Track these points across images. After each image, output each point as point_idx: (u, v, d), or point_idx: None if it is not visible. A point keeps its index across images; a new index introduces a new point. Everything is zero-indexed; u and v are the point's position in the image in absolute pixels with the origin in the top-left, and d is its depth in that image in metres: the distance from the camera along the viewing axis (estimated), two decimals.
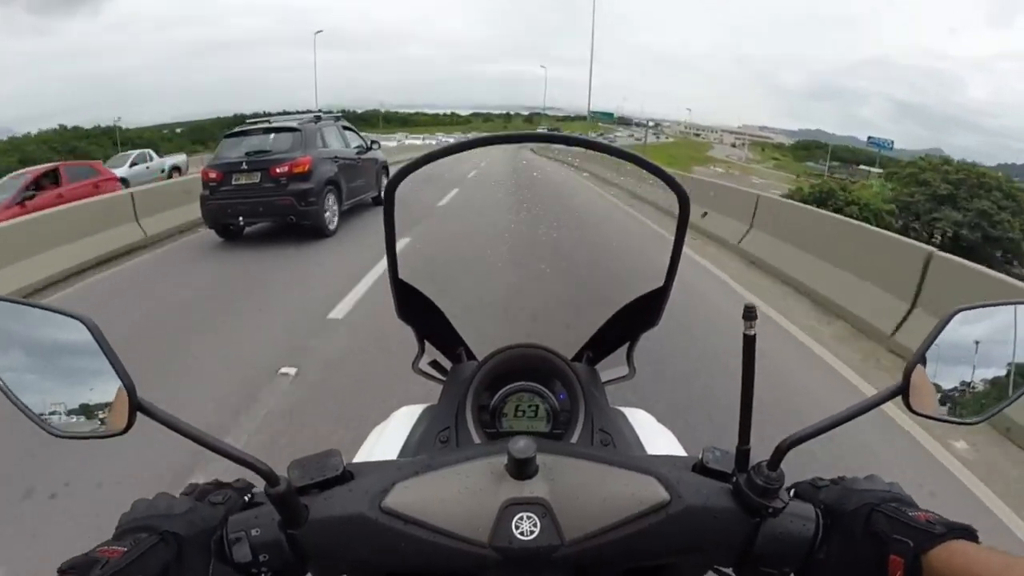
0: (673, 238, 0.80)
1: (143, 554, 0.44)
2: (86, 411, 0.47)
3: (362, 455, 0.91)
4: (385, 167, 10.08)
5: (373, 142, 10.00)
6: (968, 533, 0.44)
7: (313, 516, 0.49)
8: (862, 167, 64.78)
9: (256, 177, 7.33)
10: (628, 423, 0.85)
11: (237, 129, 8.28)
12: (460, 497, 0.49)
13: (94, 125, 65.13)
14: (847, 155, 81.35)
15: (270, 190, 7.26)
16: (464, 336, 0.99)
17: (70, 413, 0.47)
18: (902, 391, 0.48)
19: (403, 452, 0.82)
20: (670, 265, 0.82)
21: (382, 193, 8.50)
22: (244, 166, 7.41)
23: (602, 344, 0.96)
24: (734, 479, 0.49)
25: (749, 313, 0.47)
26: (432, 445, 0.79)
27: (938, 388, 0.51)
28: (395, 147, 35.12)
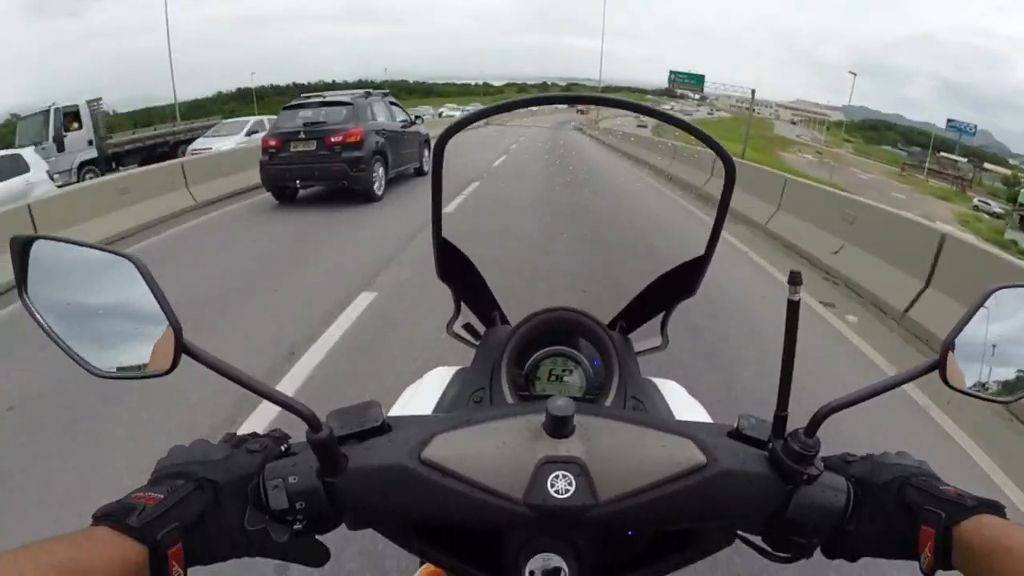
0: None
1: (180, 500, 0.44)
2: (130, 351, 0.46)
3: (395, 413, 0.89)
4: (427, 141, 10.83)
5: (417, 117, 10.76)
6: (996, 509, 0.44)
7: (352, 465, 0.49)
8: (943, 155, 58.42)
9: (312, 145, 8.16)
10: (660, 393, 0.84)
11: (294, 102, 9.12)
12: (497, 453, 0.49)
13: (146, 103, 67.42)
14: (921, 140, 74.52)
15: (325, 157, 8.08)
16: (498, 302, 0.99)
17: (113, 353, 0.46)
18: (938, 366, 0.48)
19: (436, 411, 0.82)
20: (712, 234, 0.80)
21: (423, 165, 9.26)
22: (301, 135, 8.23)
23: (636, 314, 0.95)
24: (770, 445, 0.49)
25: (795, 278, 0.46)
26: (466, 405, 0.79)
27: (972, 365, 0.51)
28: (432, 119, 32.99)
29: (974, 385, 0.51)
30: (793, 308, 0.47)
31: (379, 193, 8.49)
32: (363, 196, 8.32)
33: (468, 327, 0.99)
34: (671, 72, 44.37)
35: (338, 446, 0.49)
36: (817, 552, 0.52)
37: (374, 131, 8.57)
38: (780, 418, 0.50)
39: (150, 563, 0.42)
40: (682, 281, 0.87)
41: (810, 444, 0.47)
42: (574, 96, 0.74)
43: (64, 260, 0.46)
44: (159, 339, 0.45)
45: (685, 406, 0.85)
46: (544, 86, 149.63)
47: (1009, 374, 0.52)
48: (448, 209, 5.62)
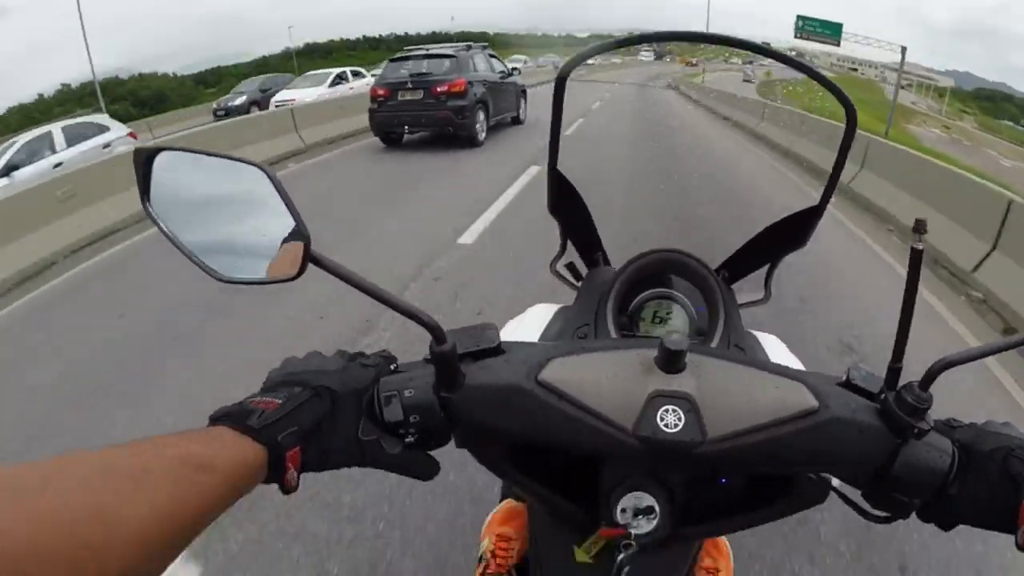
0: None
1: (298, 406, 0.45)
2: (253, 258, 0.46)
3: None
4: (523, 91, 11.23)
5: (513, 68, 11.10)
6: None
7: (469, 382, 0.49)
8: None
9: (419, 94, 8.73)
10: (760, 346, 0.83)
11: (400, 54, 9.69)
12: (611, 381, 0.49)
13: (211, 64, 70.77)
14: None
15: (432, 105, 8.65)
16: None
17: (237, 259, 0.47)
18: None
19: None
20: (828, 183, 0.78)
21: (520, 114, 9.70)
22: (409, 85, 8.81)
23: (740, 264, 0.93)
24: (882, 396, 0.48)
25: (920, 226, 0.45)
26: (570, 340, 0.79)
27: None
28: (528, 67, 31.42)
29: None
30: (916, 256, 0.45)
31: (481, 139, 9.02)
32: (466, 141, 8.87)
33: (571, 267, 0.98)
34: (799, 18, 31.85)
35: (458, 361, 0.49)
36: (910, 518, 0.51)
37: (476, 81, 9.03)
38: (894, 369, 0.49)
39: (269, 464, 0.43)
40: (792, 232, 0.84)
41: (923, 397, 0.46)
42: (684, 33, 0.72)
43: (189, 170, 0.47)
44: (285, 246, 0.45)
45: (786, 361, 0.82)
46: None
47: None
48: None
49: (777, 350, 0.83)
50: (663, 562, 0.64)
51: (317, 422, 0.46)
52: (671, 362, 0.48)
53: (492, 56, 10.38)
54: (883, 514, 0.51)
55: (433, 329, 0.47)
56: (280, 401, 0.45)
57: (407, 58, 9.44)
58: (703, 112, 17.73)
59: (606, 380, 0.49)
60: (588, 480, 0.56)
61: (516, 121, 10.87)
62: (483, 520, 1.07)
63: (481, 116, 9.05)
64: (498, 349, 0.51)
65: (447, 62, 9.01)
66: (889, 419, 0.47)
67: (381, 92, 8.96)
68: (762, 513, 0.57)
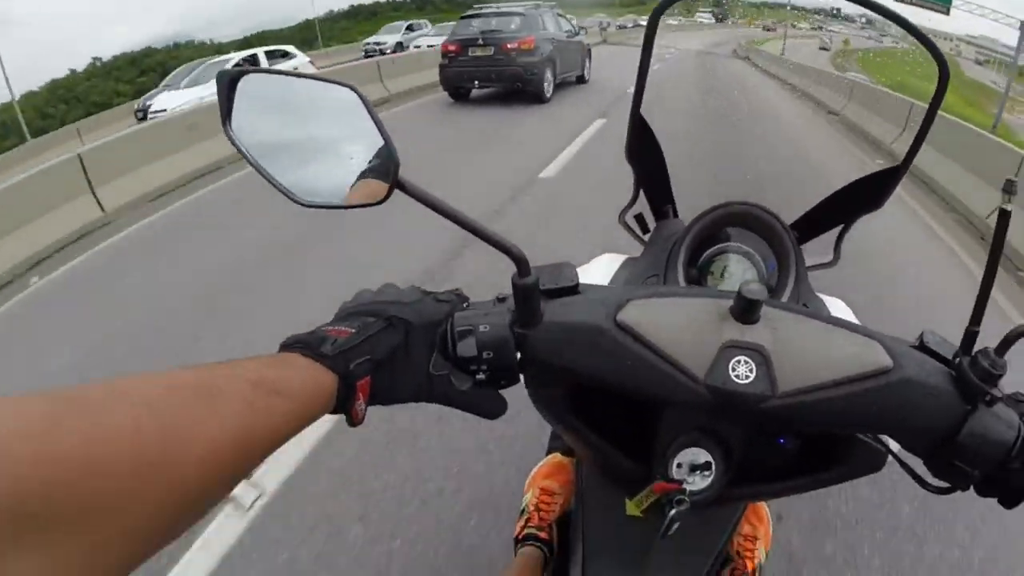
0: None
1: (371, 336, 0.45)
2: (339, 182, 0.46)
3: None
4: (589, 51, 11.55)
5: (581, 27, 11.41)
6: None
7: (547, 319, 0.49)
8: None
9: (490, 51, 9.17)
10: (827, 309, 0.80)
11: (470, 12, 10.11)
12: (685, 328, 0.48)
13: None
14: None
15: (502, 61, 9.09)
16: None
17: (321, 183, 0.46)
18: None
19: None
20: (914, 142, 0.75)
21: (585, 73, 10.14)
22: (480, 41, 9.25)
23: (811, 225, 0.90)
24: (957, 360, 0.47)
25: (1010, 186, 0.43)
26: (652, 285, 0.78)
27: None
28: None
29: None
30: (1004, 217, 0.44)
31: (548, 96, 9.45)
32: (534, 97, 9.31)
33: (639, 218, 0.97)
34: None
35: (540, 297, 0.49)
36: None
37: (545, 39, 9.42)
38: (971, 333, 0.47)
39: (339, 392, 0.43)
40: (869, 193, 0.83)
41: (999, 363, 0.45)
42: None
43: (275, 93, 0.46)
44: (369, 169, 0.44)
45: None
46: None
47: None
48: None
49: (844, 314, 0.81)
50: (706, 525, 0.64)
51: (390, 353, 0.46)
52: (747, 312, 0.48)
53: (559, 15, 10.71)
54: (943, 484, 0.50)
55: (519, 260, 0.47)
56: (353, 330, 0.45)
57: (478, 15, 9.86)
58: (776, 84, 14.47)
59: (681, 326, 0.48)
60: (644, 434, 0.56)
61: (580, 80, 11.21)
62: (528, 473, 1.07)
63: (549, 74, 9.45)
64: (576, 289, 0.51)
65: (517, 20, 9.41)
66: (962, 384, 0.46)
67: (452, 48, 9.43)
68: (816, 478, 0.57)
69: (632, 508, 0.59)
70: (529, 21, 9.38)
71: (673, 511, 0.49)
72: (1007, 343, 0.45)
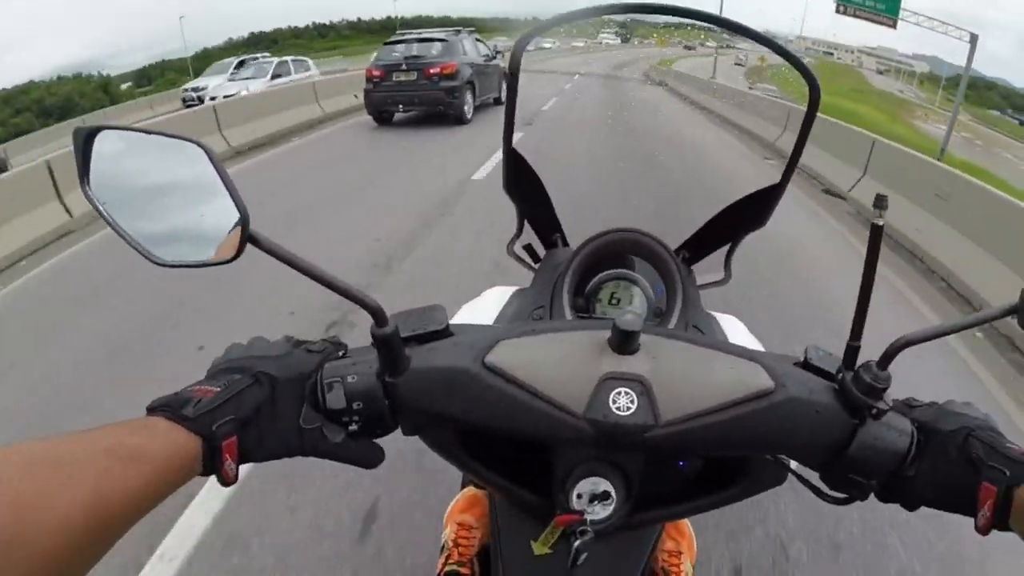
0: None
1: (237, 394, 0.45)
2: (192, 240, 0.45)
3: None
4: (505, 74, 12.11)
5: (497, 52, 12.02)
6: None
7: (414, 366, 0.49)
8: None
9: (413, 75, 9.65)
10: (720, 327, 0.81)
11: (393, 38, 10.58)
12: (561, 364, 0.48)
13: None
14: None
15: (425, 86, 9.60)
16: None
17: (177, 241, 0.46)
18: (1018, 311, 0.43)
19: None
20: (790, 161, 0.78)
21: (502, 95, 10.74)
22: (403, 66, 9.72)
23: (700, 245, 0.91)
24: (840, 376, 0.48)
25: (880, 202, 0.44)
26: (526, 322, 0.77)
27: None
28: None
29: None
30: (876, 232, 0.44)
31: (468, 117, 10.01)
32: (455, 119, 9.84)
33: (528, 248, 0.98)
34: None
35: (402, 344, 0.48)
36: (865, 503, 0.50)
37: (465, 64, 9.99)
38: (852, 348, 0.48)
39: (204, 454, 0.42)
40: (752, 211, 0.85)
41: (881, 376, 0.46)
42: (639, 4, 0.72)
43: (128, 149, 0.45)
44: (224, 226, 0.44)
45: (745, 342, 0.81)
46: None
47: None
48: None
49: (737, 331, 0.82)
50: (623, 547, 0.63)
51: (255, 410, 0.45)
52: (624, 343, 0.47)
53: (478, 40, 11.30)
54: (841, 496, 0.51)
55: (374, 311, 0.47)
56: (218, 389, 0.45)
57: (401, 41, 10.33)
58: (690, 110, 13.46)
59: (556, 362, 0.48)
60: (545, 467, 0.56)
61: (498, 102, 11.79)
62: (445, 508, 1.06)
63: (469, 96, 10.02)
64: (445, 331, 0.51)
65: (439, 45, 9.97)
66: (846, 399, 0.47)
67: (376, 73, 9.85)
68: (720, 496, 0.57)
69: (539, 548, 0.58)
70: (450, 47, 9.94)
71: (577, 542, 0.49)
72: (889, 356, 0.46)
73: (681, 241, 0.93)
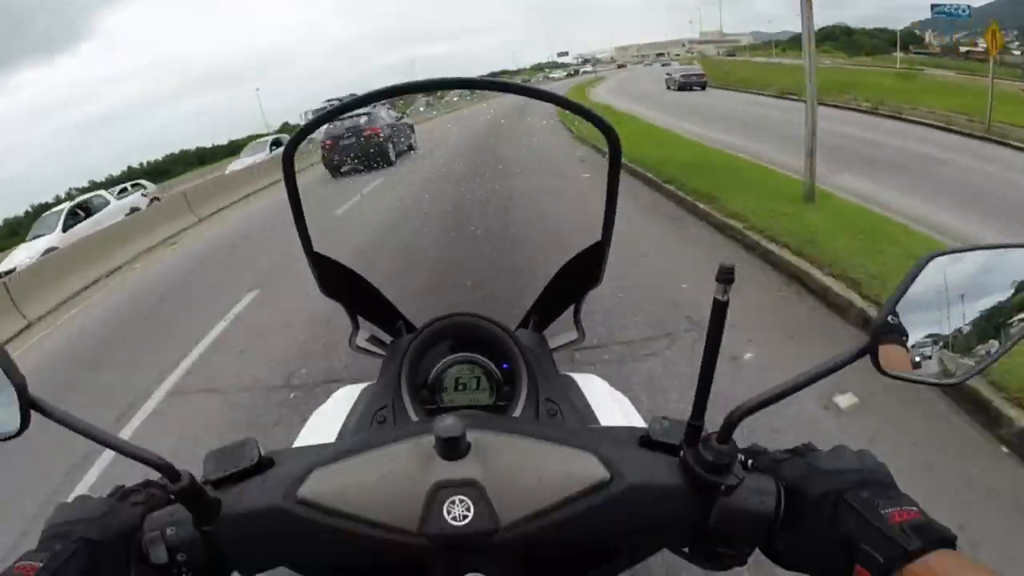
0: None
1: (60, 566, 0.42)
2: None
3: (301, 440, 0.86)
4: (411, 127, 17.95)
5: (403, 115, 17.76)
6: (947, 543, 0.39)
7: (226, 511, 0.46)
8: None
9: (353, 140, 15.17)
10: (579, 390, 0.80)
11: (341, 117, 15.88)
12: (384, 482, 0.46)
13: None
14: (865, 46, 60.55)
15: (362, 145, 15.07)
16: (404, 309, 0.93)
17: None
18: (869, 351, 0.42)
19: (341, 435, 0.79)
20: (606, 217, 0.77)
21: (412, 143, 17.87)
22: (346, 135, 15.21)
23: (547, 308, 0.91)
24: (681, 454, 0.46)
25: (725, 275, 0.41)
26: (369, 426, 0.76)
27: (909, 346, 0.45)
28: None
29: (914, 367, 0.45)
30: (719, 308, 0.42)
31: (393, 160, 15.61)
32: (386, 164, 15.36)
33: (374, 339, 0.96)
34: (933, 6, 23.14)
35: (205, 492, 0.46)
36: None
37: (385, 125, 15.60)
38: (694, 427, 0.46)
39: None
40: (586, 270, 0.86)
41: (724, 452, 0.44)
42: (433, 81, 0.74)
43: None
44: (5, 399, 0.42)
45: (605, 401, 0.81)
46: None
47: (952, 353, 0.44)
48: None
49: (598, 390, 0.83)
50: None
51: None
52: (449, 449, 0.45)
53: (389, 109, 17.05)
54: (716, 565, 0.49)
55: (162, 468, 0.44)
56: (40, 564, 0.42)
57: (341, 120, 15.77)
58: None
59: (381, 479, 0.46)
60: None
61: (410, 148, 17.43)
62: None
63: (392, 147, 15.63)
64: (258, 466, 0.48)
65: (365, 117, 15.49)
66: (691, 478, 0.45)
67: (328, 142, 15.31)
68: (614, 565, 0.55)
69: None
70: (373, 117, 15.55)
71: None
72: (728, 428, 0.45)
73: (527, 307, 0.95)
